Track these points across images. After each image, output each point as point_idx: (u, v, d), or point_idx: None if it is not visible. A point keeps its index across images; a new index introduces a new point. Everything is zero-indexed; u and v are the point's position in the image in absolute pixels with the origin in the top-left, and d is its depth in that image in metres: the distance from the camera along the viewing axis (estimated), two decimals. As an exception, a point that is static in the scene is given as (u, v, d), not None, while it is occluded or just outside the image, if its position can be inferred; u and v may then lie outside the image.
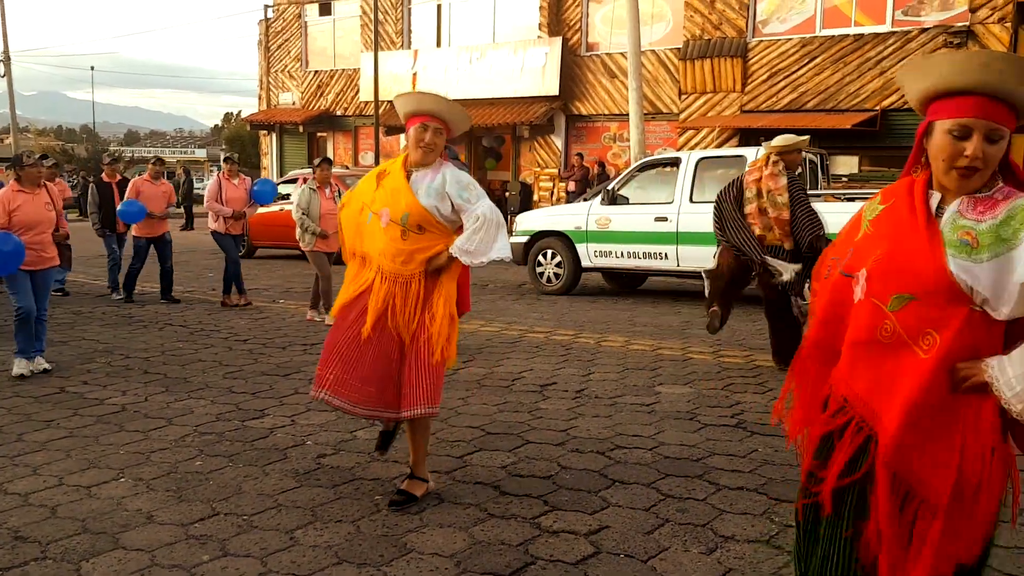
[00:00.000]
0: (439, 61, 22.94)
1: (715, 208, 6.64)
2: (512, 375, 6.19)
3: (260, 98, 28.17)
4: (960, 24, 15.78)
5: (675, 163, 10.76)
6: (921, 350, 1.86)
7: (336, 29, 25.97)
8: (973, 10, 15.66)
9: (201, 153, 66.98)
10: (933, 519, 1.85)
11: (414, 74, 23.27)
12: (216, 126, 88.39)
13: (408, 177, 3.68)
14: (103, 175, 10.76)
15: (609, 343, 7.56)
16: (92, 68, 68.90)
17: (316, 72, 26.34)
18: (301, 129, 26.27)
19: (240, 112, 71.75)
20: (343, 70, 25.57)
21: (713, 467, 4.16)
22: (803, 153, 6.36)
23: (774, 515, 3.54)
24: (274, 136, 27.56)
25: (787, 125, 16.76)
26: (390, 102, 23.41)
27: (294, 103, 26.84)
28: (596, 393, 5.67)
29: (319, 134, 26.66)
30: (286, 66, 27.06)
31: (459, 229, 3.71)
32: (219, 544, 3.26)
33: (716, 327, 6.58)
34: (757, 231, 6.26)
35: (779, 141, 6.26)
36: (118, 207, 10.09)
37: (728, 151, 12.70)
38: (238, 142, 46.92)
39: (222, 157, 11.52)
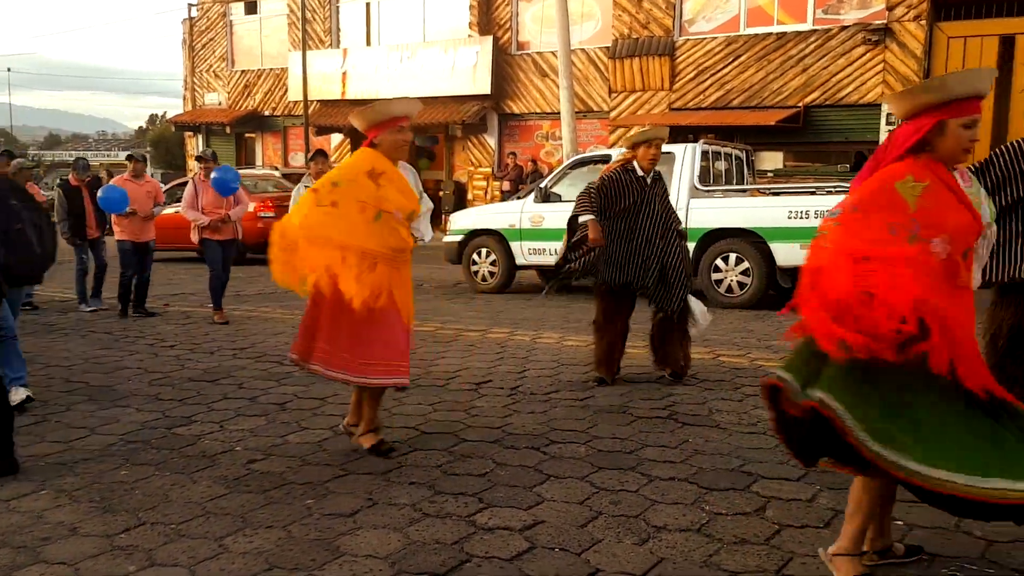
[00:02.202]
0: (369, 60, 22.75)
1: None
2: (447, 374, 6.17)
3: (185, 99, 27.57)
4: (878, 22, 16.28)
5: (605, 160, 10.85)
6: (966, 284, 2.69)
7: (263, 28, 25.55)
8: (890, 8, 16.16)
9: (125, 156, 65.17)
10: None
11: (344, 73, 23.03)
12: (141, 128, 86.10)
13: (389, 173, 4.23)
14: (70, 178, 9.62)
15: (544, 340, 7.59)
16: (9, 70, 66.55)
17: (243, 72, 25.89)
18: (228, 130, 25.78)
19: (165, 113, 70.04)
20: (271, 69, 25.17)
21: (645, 459, 4.21)
22: (656, 148, 5.74)
23: (705, 504, 3.60)
24: (200, 137, 26.98)
25: (714, 122, 17.12)
26: (320, 102, 23.23)
27: (220, 103, 26.32)
28: (531, 390, 5.69)
29: (247, 135, 26.21)
30: (211, 66, 26.52)
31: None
32: (146, 554, 3.18)
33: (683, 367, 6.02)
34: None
35: (632, 132, 6.04)
36: (99, 194, 9.03)
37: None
38: (163, 144, 45.85)
39: (195, 156, 10.34)
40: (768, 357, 6.59)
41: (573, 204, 6.13)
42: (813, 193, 9.95)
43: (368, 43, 23.33)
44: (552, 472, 4.03)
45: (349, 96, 22.66)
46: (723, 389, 5.66)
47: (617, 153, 10.10)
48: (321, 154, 8.14)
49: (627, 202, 5.77)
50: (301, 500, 3.71)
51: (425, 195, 4.43)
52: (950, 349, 2.48)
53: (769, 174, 17.27)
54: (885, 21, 16.21)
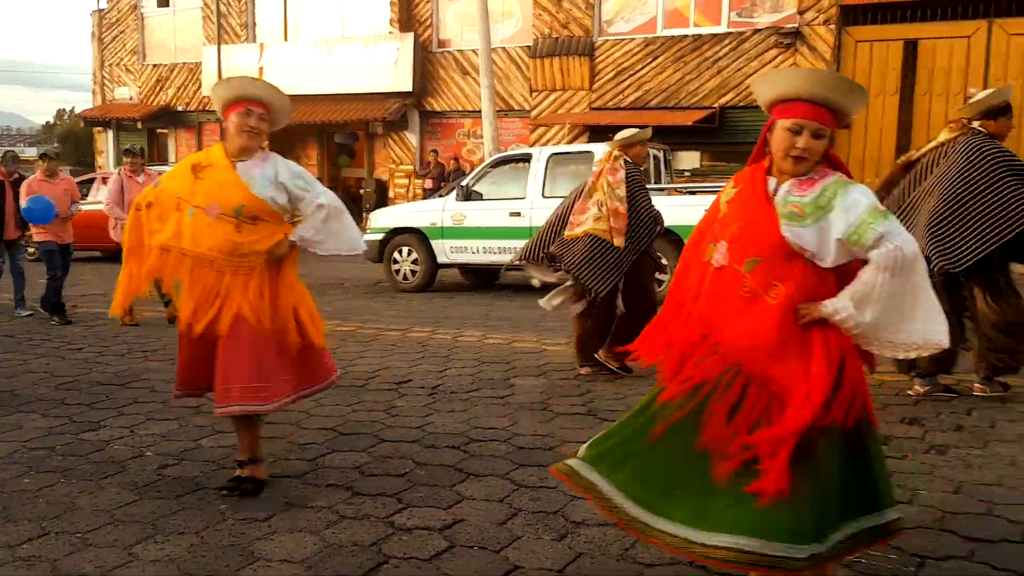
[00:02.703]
0: (287, 55, 22.34)
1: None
2: (367, 374, 6.11)
3: (95, 93, 26.59)
4: (790, 26, 16.74)
5: (527, 159, 10.92)
6: (770, 298, 2.44)
7: (176, 21, 24.82)
8: (801, 12, 16.64)
9: (32, 152, 62.57)
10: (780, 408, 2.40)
11: (260, 68, 22.56)
12: (48, 123, 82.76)
13: (235, 167, 3.60)
14: None
15: (466, 338, 7.59)
16: (-98, 61, 63.04)
17: (155, 66, 25.11)
18: (140, 125, 24.95)
19: (74, 108, 67.52)
20: (184, 64, 24.47)
21: (565, 455, 4.24)
22: (648, 147, 6.35)
23: (623, 498, 3.65)
24: (110, 133, 26.06)
25: (633, 122, 17.22)
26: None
27: (132, 98, 25.49)
28: (452, 388, 5.68)
29: (160, 130, 25.44)
30: (122, 60, 25.66)
31: (292, 217, 3.73)
32: (50, 564, 3.06)
33: (618, 370, 6.07)
34: (571, 224, 5.93)
35: (621, 135, 6.20)
36: (22, 205, 8.32)
37: (578, 147, 13.02)
38: (72, 140, 44.16)
39: (123, 149, 9.02)
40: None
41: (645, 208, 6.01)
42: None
43: (286, 38, 22.91)
44: (472, 470, 4.03)
45: (267, 92, 22.21)
46: (641, 384, 5.74)
47: (600, 151, 10.14)
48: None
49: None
50: (215, 505, 3.62)
51: (312, 193, 3.69)
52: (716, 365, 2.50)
53: (686, 173, 17.64)
54: (796, 25, 16.68)
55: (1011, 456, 4.17)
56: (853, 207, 2.38)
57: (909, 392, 5.34)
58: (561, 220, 6.14)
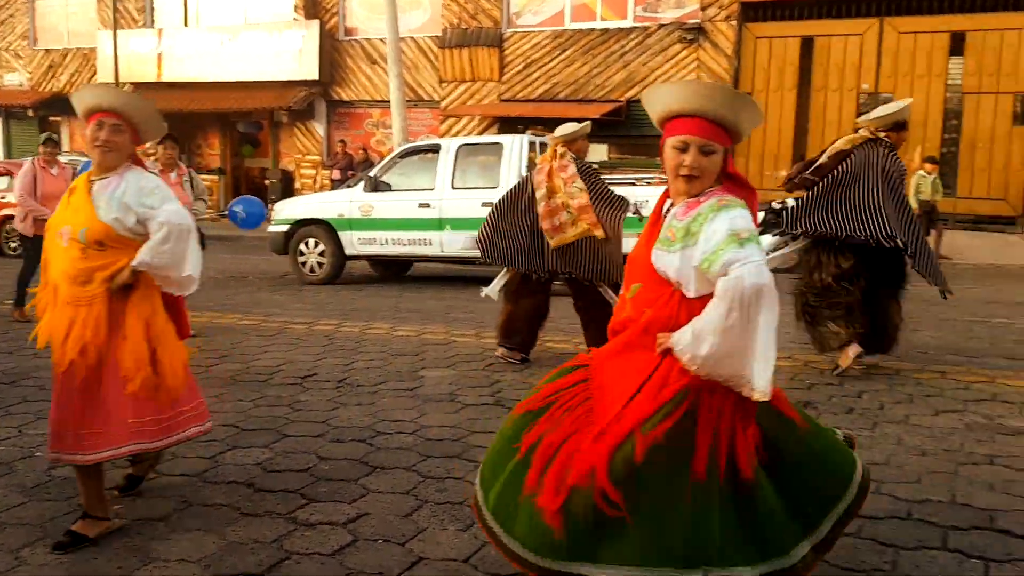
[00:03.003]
0: (187, 42, 21.68)
1: (489, 217, 6.29)
2: (271, 368, 5.98)
3: (-20, 78, 25.26)
4: (693, 21, 17.11)
5: (436, 150, 10.85)
6: (637, 322, 2.36)
7: (69, 4, 23.76)
8: (703, 8, 17.02)
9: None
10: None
11: (159, 55, 21.84)
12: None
13: (91, 188, 3.25)
14: None
15: (374, 331, 7.51)
16: None
17: (47, 51, 24.03)
18: (31, 113, 23.84)
19: (-43, 93, 63.82)
20: (78, 49, 23.49)
21: (472, 445, 4.25)
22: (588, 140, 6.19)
23: (528, 487, 3.67)
24: (-1, 121, 24.83)
25: (542, 114, 17.50)
26: (133, 84, 21.90)
27: (22, 84, 24.31)
28: (359, 381, 5.61)
29: (52, 118, 24.32)
30: (11, 44, 24.45)
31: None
32: (-74, 575, 2.90)
33: (517, 362, 6.16)
34: (549, 231, 5.88)
35: (562, 131, 6.05)
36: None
37: (488, 138, 12.99)
38: (-45, 127, 41.83)
39: (43, 138, 8.15)
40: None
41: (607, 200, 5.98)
42: (632, 184, 10.35)
43: (186, 24, 22.19)
44: (378, 463, 3.99)
45: (166, 79, 21.53)
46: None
47: (509, 142, 10.14)
48: (171, 138, 7.31)
49: None
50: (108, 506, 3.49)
51: (155, 211, 3.22)
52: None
53: (594, 166, 17.83)
54: (699, 21, 17.06)
55: (897, 436, 4.36)
56: (713, 235, 2.21)
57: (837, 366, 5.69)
58: (530, 227, 6.03)
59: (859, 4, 15.95)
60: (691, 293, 2.28)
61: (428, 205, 10.39)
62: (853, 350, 5.54)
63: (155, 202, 3.24)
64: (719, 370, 2.20)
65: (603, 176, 6.59)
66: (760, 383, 2.18)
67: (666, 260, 2.30)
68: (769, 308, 2.15)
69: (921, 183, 12.86)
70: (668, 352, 2.27)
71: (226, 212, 11.76)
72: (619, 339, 2.42)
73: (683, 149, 2.30)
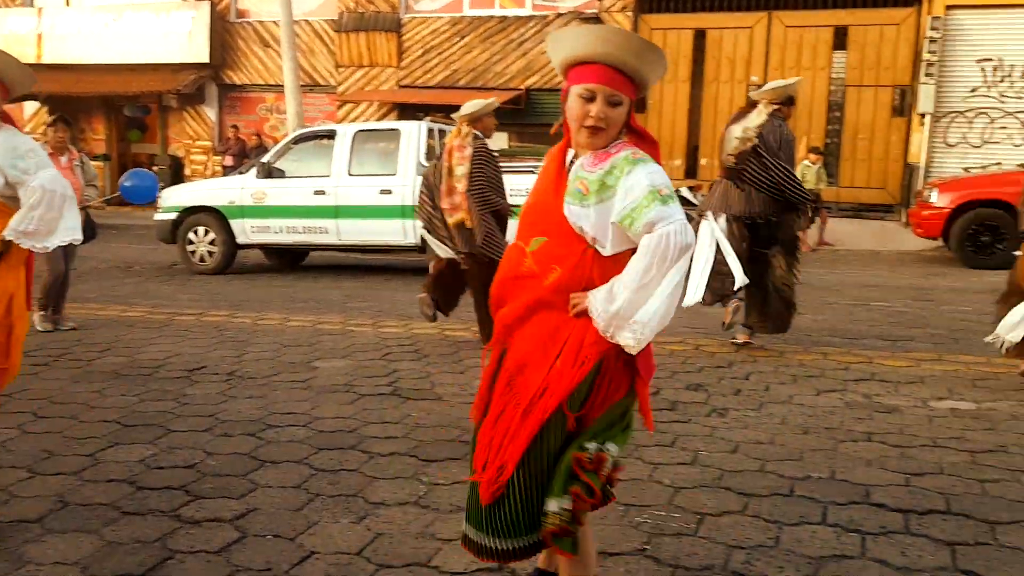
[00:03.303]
0: (69, 22, 20.62)
1: (420, 195, 6.40)
2: (157, 362, 5.75)
3: None
4: (590, 11, 17.27)
5: (332, 135, 10.64)
6: (545, 279, 2.22)
7: (-65, -23, 22.26)
8: (600, -1, 17.21)
9: None
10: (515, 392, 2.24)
11: (39, 35, 20.73)
12: None
13: None
14: None
15: (267, 321, 7.33)
16: None
17: (-90, 27, 22.44)
18: None
19: None
20: (-53, 26, 22.03)
21: (367, 436, 4.19)
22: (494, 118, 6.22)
23: (423, 476, 3.64)
24: None
25: (442, 101, 17.36)
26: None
27: None
28: (250, 374, 5.46)
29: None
30: None
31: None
32: None
33: (428, 315, 6.41)
34: (448, 210, 5.95)
35: (467, 108, 6.01)
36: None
37: (385, 124, 12.84)
38: None
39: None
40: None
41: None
42: (532, 172, 10.39)
43: (68, 3, 21.10)
44: (268, 458, 3.88)
45: (46, 60, 20.41)
46: (446, 362, 5.77)
47: (407, 128, 10.00)
48: (63, 120, 6.91)
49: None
50: (-25, 510, 3.29)
51: (31, 176, 3.10)
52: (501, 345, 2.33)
53: (494, 153, 17.84)
54: (596, 11, 17.23)
55: (782, 416, 4.52)
56: (632, 189, 2.11)
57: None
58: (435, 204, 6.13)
59: (749, -2, 16.42)
60: (607, 250, 2.19)
61: (323, 192, 10.18)
62: (733, 305, 5.78)
63: (32, 166, 3.07)
64: (616, 322, 2.12)
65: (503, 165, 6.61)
66: (639, 334, 2.11)
67: (580, 214, 2.18)
68: (682, 266, 2.12)
69: (806, 172, 13.33)
70: (583, 314, 2.17)
71: (113, 197, 11.24)
72: (526, 301, 2.25)
73: (590, 99, 2.18)
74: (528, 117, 17.82)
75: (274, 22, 17.89)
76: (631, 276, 2.11)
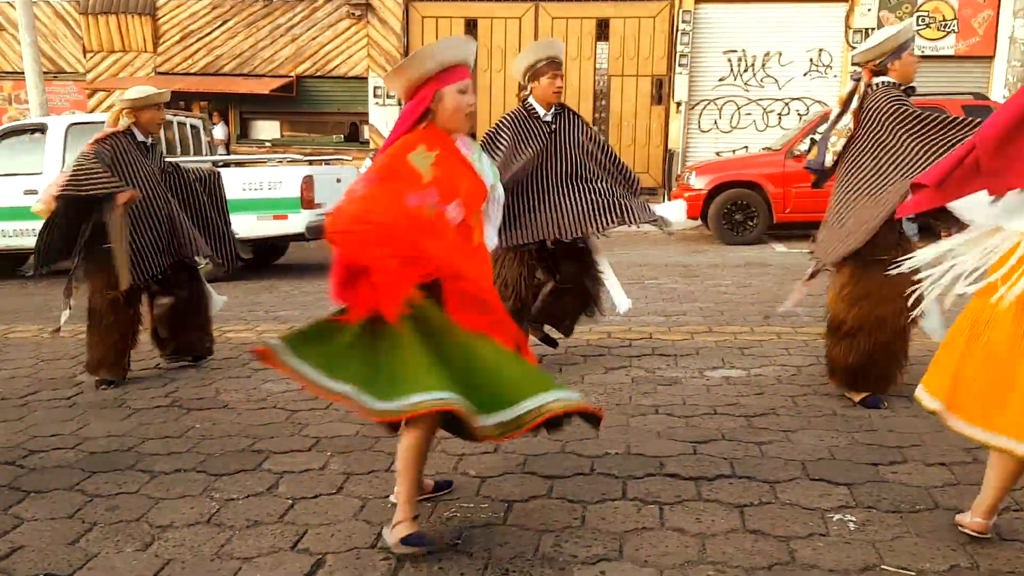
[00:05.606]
0: None
1: None
2: None
3: None
4: (360, -1, 16.98)
5: (42, 129, 9.71)
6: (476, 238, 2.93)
7: None
8: (370, -15, 16.95)
9: None
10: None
11: None
12: None
13: None
14: None
15: (19, 334, 6.60)
16: None
17: None
18: None
19: None
20: None
21: (147, 454, 3.86)
22: (162, 112, 5.06)
23: (214, 491, 3.40)
24: None
25: (204, 88, 16.49)
26: None
27: None
28: (3, 394, 4.88)
29: None
30: None
31: None
32: None
33: None
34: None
35: (133, 93, 4.94)
36: None
37: (102, 115, 11.88)
38: None
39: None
40: (276, 328, 6.51)
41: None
42: (311, 163, 10.07)
43: None
44: (32, 487, 3.48)
45: None
46: (230, 367, 5.45)
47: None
48: None
49: None
50: None
51: None
52: (463, 299, 2.80)
53: (267, 144, 17.17)
54: (367, -2, 16.96)
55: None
56: (486, 163, 3.00)
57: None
58: None
59: (517, -12, 16.79)
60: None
61: (35, 192, 9.17)
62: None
63: None
64: None
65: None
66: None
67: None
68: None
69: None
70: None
71: None
72: (476, 260, 2.96)
73: (466, 91, 2.81)
74: (300, 105, 17.29)
75: (9, 3, 16.14)
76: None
